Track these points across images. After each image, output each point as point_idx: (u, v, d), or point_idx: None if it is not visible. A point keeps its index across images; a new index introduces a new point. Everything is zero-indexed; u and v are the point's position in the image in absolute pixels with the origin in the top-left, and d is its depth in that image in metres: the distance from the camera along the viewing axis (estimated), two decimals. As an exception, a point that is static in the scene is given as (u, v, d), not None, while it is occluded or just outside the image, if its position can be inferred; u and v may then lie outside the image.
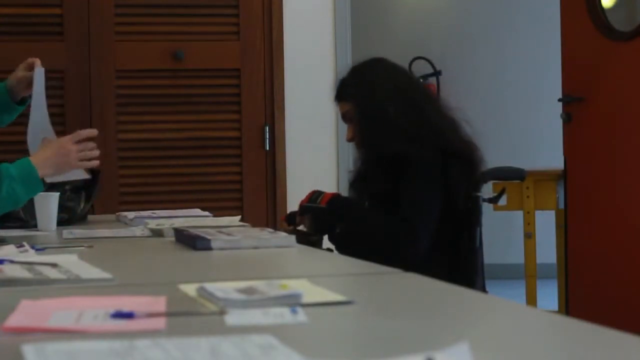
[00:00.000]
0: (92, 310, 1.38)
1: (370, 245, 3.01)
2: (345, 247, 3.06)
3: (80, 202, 3.91)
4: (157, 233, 2.72)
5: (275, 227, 4.29)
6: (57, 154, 2.58)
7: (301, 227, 3.26)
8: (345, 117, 3.21)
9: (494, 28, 8.05)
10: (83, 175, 2.65)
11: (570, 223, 4.90)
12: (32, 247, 2.29)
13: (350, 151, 5.06)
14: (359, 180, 3.19)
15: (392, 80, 3.15)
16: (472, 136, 3.15)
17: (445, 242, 3.05)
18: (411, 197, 3.00)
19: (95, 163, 2.60)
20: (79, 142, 2.60)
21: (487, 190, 3.24)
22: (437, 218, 3.01)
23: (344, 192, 3.33)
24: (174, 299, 1.51)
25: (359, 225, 3.09)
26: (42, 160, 2.54)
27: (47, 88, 2.90)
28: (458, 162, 3.04)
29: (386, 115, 3.07)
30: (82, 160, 2.58)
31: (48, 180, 2.68)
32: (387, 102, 3.09)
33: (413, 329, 1.32)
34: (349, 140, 3.20)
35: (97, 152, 2.61)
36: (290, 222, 3.26)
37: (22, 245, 2.24)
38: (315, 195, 3.19)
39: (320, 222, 3.16)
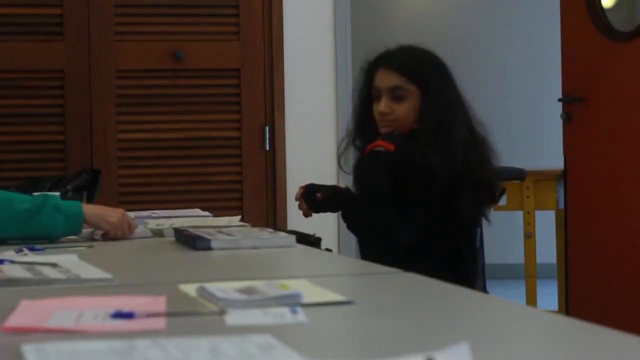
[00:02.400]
0: (92, 310, 1.38)
1: (362, 220, 3.06)
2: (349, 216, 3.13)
3: (82, 202, 3.91)
4: (157, 233, 2.72)
5: (275, 227, 4.29)
6: (106, 209, 2.60)
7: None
8: (395, 91, 3.02)
9: (494, 28, 8.05)
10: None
11: (570, 223, 4.90)
12: (32, 248, 2.29)
13: (350, 151, 5.05)
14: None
15: (456, 86, 3.07)
16: (492, 154, 3.10)
17: (445, 242, 3.04)
18: (408, 201, 2.99)
19: (123, 236, 2.62)
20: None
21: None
22: (422, 226, 3.00)
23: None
24: (174, 299, 1.51)
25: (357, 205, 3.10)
26: (91, 207, 2.58)
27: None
28: (474, 189, 3.00)
29: (453, 127, 2.97)
30: (121, 229, 2.60)
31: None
32: (457, 112, 3.00)
33: (413, 329, 1.32)
34: (384, 113, 3.03)
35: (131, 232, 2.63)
36: (309, 201, 3.20)
37: (21, 250, 2.24)
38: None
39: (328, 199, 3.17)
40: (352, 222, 3.13)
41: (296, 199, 3.17)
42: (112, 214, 2.59)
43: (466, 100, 3.10)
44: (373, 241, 3.01)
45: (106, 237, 2.59)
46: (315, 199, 3.12)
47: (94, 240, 2.58)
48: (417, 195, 2.97)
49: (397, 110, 3.03)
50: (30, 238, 2.44)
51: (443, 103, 3.02)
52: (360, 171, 3.10)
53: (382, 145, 3.01)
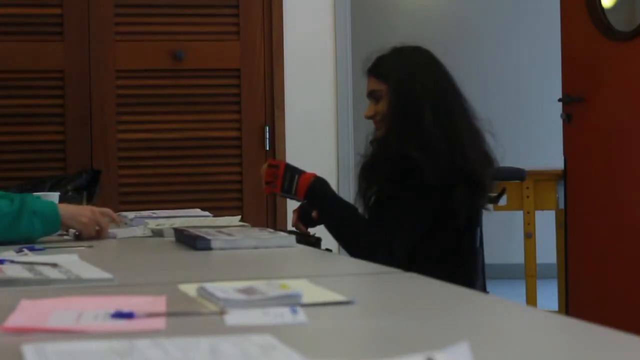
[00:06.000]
0: (92, 310, 1.38)
1: (345, 240, 3.10)
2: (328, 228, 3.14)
3: (83, 202, 3.91)
4: (157, 233, 2.72)
5: (275, 227, 4.29)
6: (77, 208, 2.63)
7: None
8: (372, 94, 3.12)
9: (494, 28, 8.05)
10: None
11: (570, 223, 4.90)
12: (32, 248, 2.29)
13: (350, 152, 5.06)
14: (368, 169, 3.17)
15: (434, 77, 3.10)
16: (493, 151, 3.11)
17: (445, 242, 3.04)
18: (398, 210, 2.99)
19: (103, 234, 2.63)
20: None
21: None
22: (419, 234, 3.00)
23: (347, 188, 3.31)
24: (174, 299, 1.51)
25: (338, 222, 3.10)
26: (64, 208, 2.60)
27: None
28: (466, 185, 3.00)
29: (419, 114, 3.01)
30: (93, 228, 2.61)
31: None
32: (425, 99, 3.03)
33: (413, 329, 1.32)
34: (368, 117, 3.12)
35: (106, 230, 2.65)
36: (305, 222, 3.22)
37: (21, 250, 2.24)
38: (288, 176, 3.13)
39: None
40: (341, 239, 3.15)
41: (293, 225, 3.22)
42: (83, 213, 2.60)
43: (451, 92, 3.11)
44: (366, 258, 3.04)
45: (79, 237, 2.59)
46: (311, 218, 3.17)
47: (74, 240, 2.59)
48: (416, 193, 2.97)
49: (379, 110, 3.11)
50: (8, 243, 2.45)
51: (401, 92, 3.07)
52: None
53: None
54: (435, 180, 2.94)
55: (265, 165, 3.17)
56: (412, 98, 3.05)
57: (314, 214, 3.15)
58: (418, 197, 2.97)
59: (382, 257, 2.91)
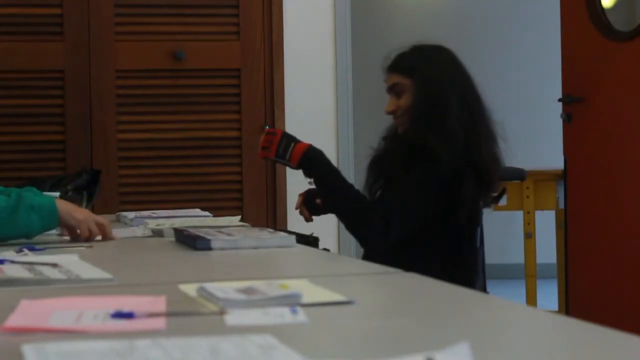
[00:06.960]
0: (92, 310, 1.38)
1: (342, 214, 3.13)
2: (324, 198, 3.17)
3: (82, 202, 3.91)
4: (157, 233, 2.72)
5: (275, 227, 4.29)
6: (73, 206, 2.62)
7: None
8: (393, 88, 3.13)
9: (494, 28, 8.05)
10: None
11: (570, 223, 4.90)
12: (32, 248, 2.29)
13: (350, 151, 5.06)
14: (377, 162, 3.18)
15: (459, 75, 3.12)
16: (502, 154, 3.13)
17: (445, 242, 3.05)
18: (406, 192, 3.00)
19: (106, 232, 2.62)
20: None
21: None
22: (420, 224, 3.01)
23: (356, 180, 3.32)
24: (174, 299, 1.51)
25: (334, 192, 3.12)
26: (61, 204, 2.58)
27: None
28: (476, 181, 3.01)
29: (445, 108, 3.03)
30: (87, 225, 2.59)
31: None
32: (451, 95, 3.05)
33: (413, 329, 1.32)
34: (389, 112, 3.13)
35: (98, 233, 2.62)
36: (309, 207, 3.22)
37: (21, 250, 2.24)
38: (284, 142, 3.15)
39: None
40: (344, 221, 3.16)
41: (296, 208, 3.22)
42: (80, 210, 2.60)
43: (472, 91, 3.13)
44: (353, 226, 3.08)
45: (76, 237, 2.58)
46: (315, 204, 3.17)
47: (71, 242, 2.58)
48: (425, 179, 2.98)
49: (401, 104, 3.12)
50: (6, 239, 2.44)
51: (429, 85, 3.08)
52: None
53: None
54: (448, 171, 2.96)
55: (263, 134, 3.21)
56: (439, 93, 3.06)
57: (318, 200, 3.16)
58: (426, 184, 2.99)
59: (377, 233, 2.94)
